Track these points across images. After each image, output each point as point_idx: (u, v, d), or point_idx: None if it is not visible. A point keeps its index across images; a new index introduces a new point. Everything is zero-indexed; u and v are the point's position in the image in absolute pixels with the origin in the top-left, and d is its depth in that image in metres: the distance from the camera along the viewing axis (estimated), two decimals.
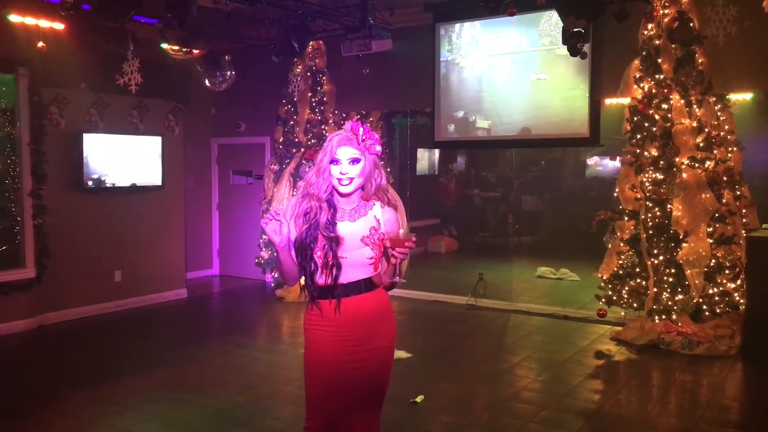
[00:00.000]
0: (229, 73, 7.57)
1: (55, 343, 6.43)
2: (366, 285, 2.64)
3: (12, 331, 6.55)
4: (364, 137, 2.62)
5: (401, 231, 2.52)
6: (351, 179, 2.60)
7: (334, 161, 2.60)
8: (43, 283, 6.83)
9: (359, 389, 2.63)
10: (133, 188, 7.65)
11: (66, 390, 4.93)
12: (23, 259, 6.75)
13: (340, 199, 2.66)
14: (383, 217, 2.68)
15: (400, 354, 5.73)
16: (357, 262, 2.62)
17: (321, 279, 2.61)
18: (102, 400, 4.69)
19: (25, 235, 6.74)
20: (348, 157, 2.60)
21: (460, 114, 8.02)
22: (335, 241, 2.59)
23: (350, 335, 2.61)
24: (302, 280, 2.69)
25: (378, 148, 2.66)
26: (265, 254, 8.55)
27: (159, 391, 4.89)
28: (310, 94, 8.38)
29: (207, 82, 7.62)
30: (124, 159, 7.51)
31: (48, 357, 5.96)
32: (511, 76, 7.64)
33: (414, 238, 2.51)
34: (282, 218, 2.55)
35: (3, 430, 4.21)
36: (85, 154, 7.13)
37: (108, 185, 7.40)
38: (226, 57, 7.56)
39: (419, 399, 4.65)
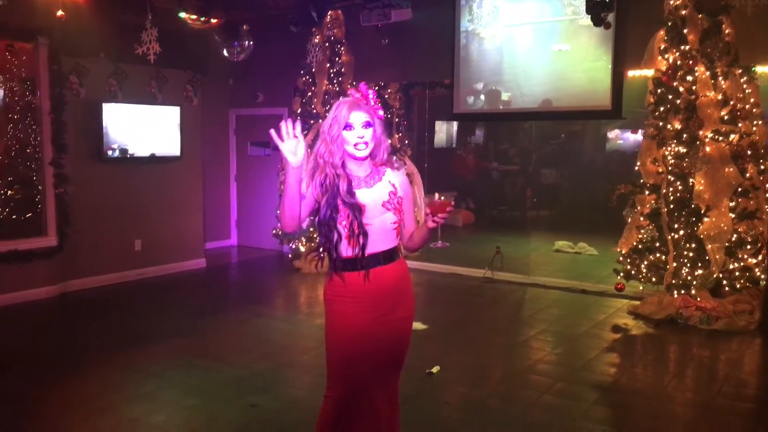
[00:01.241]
0: (247, 43, 7.53)
1: (78, 310, 6.54)
2: (390, 256, 2.65)
3: (36, 298, 6.67)
4: (373, 100, 2.64)
5: (438, 196, 2.51)
6: (366, 143, 2.60)
7: (347, 127, 2.58)
8: (65, 252, 6.93)
9: (381, 359, 2.66)
10: (152, 159, 7.70)
11: (90, 356, 5.03)
12: (45, 227, 6.84)
13: (353, 168, 2.65)
14: (397, 180, 2.70)
15: (416, 325, 5.76)
16: (381, 228, 2.62)
17: (348, 251, 2.59)
18: (126, 367, 4.78)
19: (46, 204, 6.82)
20: (361, 122, 2.59)
21: (480, 86, 7.93)
22: (358, 209, 2.57)
23: (374, 306, 2.62)
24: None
25: (381, 112, 2.68)
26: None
27: (180, 359, 4.97)
28: (328, 64, 8.32)
29: (225, 52, 7.60)
30: (143, 129, 7.54)
31: (71, 324, 6.08)
32: (533, 47, 7.52)
33: (452, 202, 2.51)
34: (299, 135, 2.49)
35: (29, 395, 4.31)
36: (104, 124, 7.16)
37: (127, 155, 7.45)
38: (244, 27, 7.52)
39: (435, 370, 4.68)
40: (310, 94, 8.38)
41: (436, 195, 2.52)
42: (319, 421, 2.69)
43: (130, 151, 7.46)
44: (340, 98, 2.73)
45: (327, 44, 8.30)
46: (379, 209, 2.62)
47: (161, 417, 3.94)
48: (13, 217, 6.73)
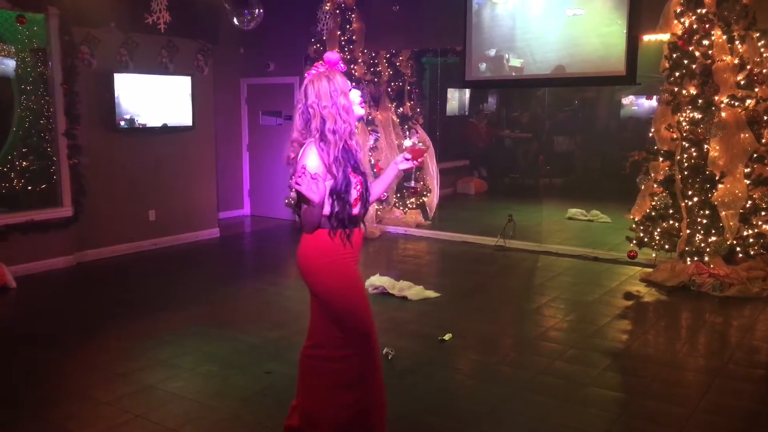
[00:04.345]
0: (257, 11, 7.44)
1: (94, 279, 6.63)
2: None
3: (53, 268, 6.76)
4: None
5: (414, 142, 2.69)
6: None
7: (349, 91, 2.74)
8: (80, 222, 6.99)
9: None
10: (165, 129, 7.71)
11: (107, 324, 5.11)
12: (60, 198, 6.89)
13: None
14: None
15: (429, 293, 5.81)
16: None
17: (355, 209, 2.72)
18: (142, 335, 4.86)
19: (61, 175, 6.86)
20: (349, 84, 2.77)
21: (492, 52, 7.83)
22: (364, 173, 2.81)
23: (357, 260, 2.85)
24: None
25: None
26: (294, 195, 8.60)
27: (195, 327, 5.04)
28: (339, 32, 8.25)
29: (235, 20, 7.52)
30: (154, 99, 7.54)
31: (88, 293, 6.16)
32: (546, 11, 7.40)
33: (427, 149, 2.72)
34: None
35: (48, 362, 4.40)
36: (116, 95, 7.16)
37: (140, 125, 7.47)
38: None
39: (447, 337, 4.72)
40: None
41: (413, 141, 2.73)
42: (337, 381, 2.87)
43: (142, 122, 7.47)
44: (309, 74, 2.69)
45: (338, 11, 8.22)
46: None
47: (178, 383, 4.02)
48: (29, 188, 6.79)
